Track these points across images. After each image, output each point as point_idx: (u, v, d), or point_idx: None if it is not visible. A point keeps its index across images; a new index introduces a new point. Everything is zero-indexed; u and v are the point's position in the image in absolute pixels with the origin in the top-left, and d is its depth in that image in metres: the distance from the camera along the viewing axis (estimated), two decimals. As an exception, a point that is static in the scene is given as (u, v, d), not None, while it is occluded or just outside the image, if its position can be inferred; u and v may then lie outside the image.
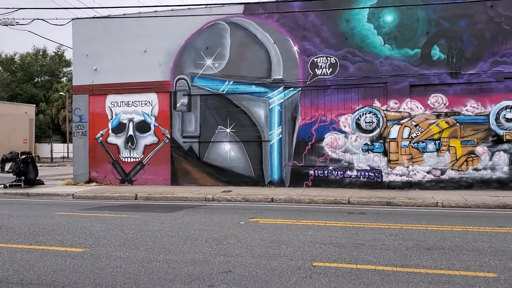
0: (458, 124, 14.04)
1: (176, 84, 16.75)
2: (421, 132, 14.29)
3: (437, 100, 14.20)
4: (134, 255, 6.57)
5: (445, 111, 14.15)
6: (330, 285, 5.16)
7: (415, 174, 14.30)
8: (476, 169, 13.87)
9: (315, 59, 15.18)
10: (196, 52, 16.49)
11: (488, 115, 13.82)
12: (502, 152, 13.71)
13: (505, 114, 13.70)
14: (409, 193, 13.41)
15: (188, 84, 16.59)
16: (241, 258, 6.32)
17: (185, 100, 16.66)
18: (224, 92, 16.10)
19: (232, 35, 16.09)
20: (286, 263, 6.04)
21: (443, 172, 14.09)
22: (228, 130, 16.02)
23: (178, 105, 16.75)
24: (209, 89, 16.31)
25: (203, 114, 16.40)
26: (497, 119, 13.75)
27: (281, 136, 15.53)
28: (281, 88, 15.51)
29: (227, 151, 16.03)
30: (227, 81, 16.04)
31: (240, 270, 5.78)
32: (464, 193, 12.94)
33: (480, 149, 13.86)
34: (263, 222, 9.30)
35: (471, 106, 13.95)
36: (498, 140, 13.74)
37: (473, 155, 13.91)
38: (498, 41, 13.74)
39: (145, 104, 17.20)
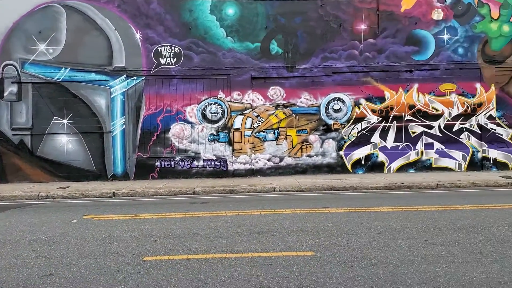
0: (294, 114, 15.14)
1: (3, 70, 14.90)
2: (262, 122, 15.08)
3: (276, 92, 15.12)
4: None
5: (282, 103, 15.14)
6: (158, 278, 5.13)
7: (257, 162, 15.07)
8: (309, 156, 15.17)
9: (159, 48, 14.90)
10: (27, 36, 14.86)
11: (319, 106, 15.17)
12: (331, 139, 15.21)
13: (333, 106, 15.20)
14: (251, 180, 14.10)
15: (17, 70, 14.89)
16: (66, 259, 5.93)
17: (14, 88, 14.93)
18: (60, 80, 14.85)
19: (69, 19, 14.87)
20: (115, 260, 5.84)
21: (281, 159, 15.10)
22: (65, 121, 14.83)
23: (5, 94, 14.94)
24: (42, 76, 14.86)
25: (36, 103, 14.90)
26: (326, 110, 15.19)
27: (124, 127, 14.93)
28: (123, 77, 14.89)
29: (64, 143, 14.85)
30: (64, 68, 14.81)
31: (63, 271, 5.42)
32: (299, 178, 14.08)
33: (312, 137, 15.18)
34: (98, 219, 8.85)
35: (304, 98, 15.16)
36: (328, 129, 15.20)
37: (307, 143, 15.17)
38: (327, 38, 15.12)
39: (-36, 92, 14.97)
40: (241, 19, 15.01)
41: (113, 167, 14.89)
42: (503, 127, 15.14)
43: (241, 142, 15.04)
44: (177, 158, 14.99)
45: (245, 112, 15.05)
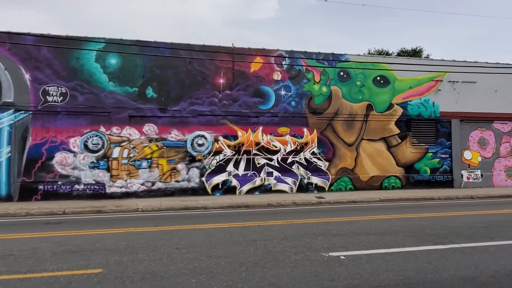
0: (165, 147, 16.02)
1: None
2: (137, 153, 15.69)
3: (150, 128, 15.89)
4: None
5: (155, 137, 15.95)
6: None
7: (132, 186, 15.56)
8: (177, 181, 16.08)
9: (47, 88, 14.85)
10: None
11: (186, 141, 16.26)
12: (195, 168, 16.32)
13: (197, 141, 16.40)
14: (121, 201, 14.42)
15: None
16: None
17: None
18: None
19: (-42, 55, 14.13)
20: None
21: (153, 183, 15.80)
22: (-51, 148, 13.87)
23: None
24: None
25: None
26: (192, 144, 16.33)
27: (10, 154, 14.44)
28: (11, 111, 14.51)
29: None
30: (-50, 100, 13.94)
31: None
32: (165, 200, 14.84)
33: (180, 166, 16.16)
34: None
35: (174, 134, 16.14)
36: (193, 159, 16.32)
37: (175, 171, 16.10)
38: (193, 88, 16.40)
39: None
40: (122, 68, 15.64)
41: (-4, 190, 14.24)
42: (322, 161, 17.69)
43: (118, 169, 15.45)
44: (60, 182, 14.86)
45: (122, 144, 15.55)
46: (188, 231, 8.98)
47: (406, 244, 7.46)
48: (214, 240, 7.87)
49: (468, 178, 19.00)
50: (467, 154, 19.11)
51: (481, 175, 19.11)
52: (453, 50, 75.34)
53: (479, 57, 76.13)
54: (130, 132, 15.68)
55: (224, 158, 16.67)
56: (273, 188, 17.07)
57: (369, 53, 36.52)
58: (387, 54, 36.42)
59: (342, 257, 6.51)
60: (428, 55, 37.58)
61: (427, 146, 18.85)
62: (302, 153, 17.48)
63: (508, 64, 18.92)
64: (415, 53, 36.59)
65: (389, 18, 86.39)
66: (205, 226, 9.65)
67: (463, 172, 19.02)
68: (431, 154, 18.87)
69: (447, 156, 18.97)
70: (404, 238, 7.95)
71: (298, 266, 6.04)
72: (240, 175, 16.81)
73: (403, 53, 36.47)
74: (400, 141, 18.56)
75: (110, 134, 15.47)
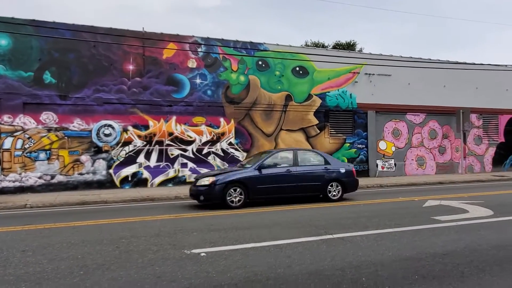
0: (66, 137, 14.71)
1: None
2: (33, 144, 14.27)
3: (49, 117, 14.51)
4: None
5: (55, 126, 14.59)
6: None
7: (27, 179, 14.15)
8: (81, 174, 14.87)
9: None
10: None
11: (91, 131, 15.05)
12: (101, 159, 15.19)
13: (104, 131, 15.25)
14: (13, 197, 13.05)
15: None
16: None
17: None
18: None
19: None
20: None
21: (53, 177, 14.47)
22: None
23: None
24: None
25: None
26: (98, 134, 15.15)
27: None
28: None
29: None
30: None
31: None
32: (64, 194, 13.61)
33: (84, 158, 14.95)
34: None
35: (77, 123, 14.88)
36: (99, 150, 15.16)
37: (78, 162, 14.87)
38: (99, 74, 15.17)
39: None
40: (14, 50, 14.08)
41: None
42: (239, 151, 17.21)
43: (10, 161, 13.95)
44: None
45: (16, 133, 14.05)
46: (56, 229, 8.02)
47: (280, 237, 6.98)
48: (76, 239, 7.07)
49: (382, 168, 19.44)
50: (382, 145, 19.53)
51: (395, 164, 19.63)
52: (388, 45, 78.45)
53: (411, 53, 79.98)
54: (24, 120, 14.19)
55: (134, 149, 15.67)
56: (187, 180, 16.31)
57: (306, 45, 36.59)
58: (323, 46, 36.76)
59: (203, 254, 5.98)
60: (361, 48, 38.51)
61: (344, 137, 19.00)
62: (218, 144, 16.89)
63: (420, 58, 19.49)
64: (349, 46, 37.25)
65: (335, 13, 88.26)
66: (82, 223, 8.70)
67: (378, 161, 19.41)
68: (349, 144, 19.05)
69: (364, 146, 19.27)
70: (281, 231, 7.48)
71: (147, 267, 5.42)
72: (152, 166, 15.91)
73: (338, 46, 37.02)
74: (318, 131, 18.54)
75: (0, 123, 13.90)
